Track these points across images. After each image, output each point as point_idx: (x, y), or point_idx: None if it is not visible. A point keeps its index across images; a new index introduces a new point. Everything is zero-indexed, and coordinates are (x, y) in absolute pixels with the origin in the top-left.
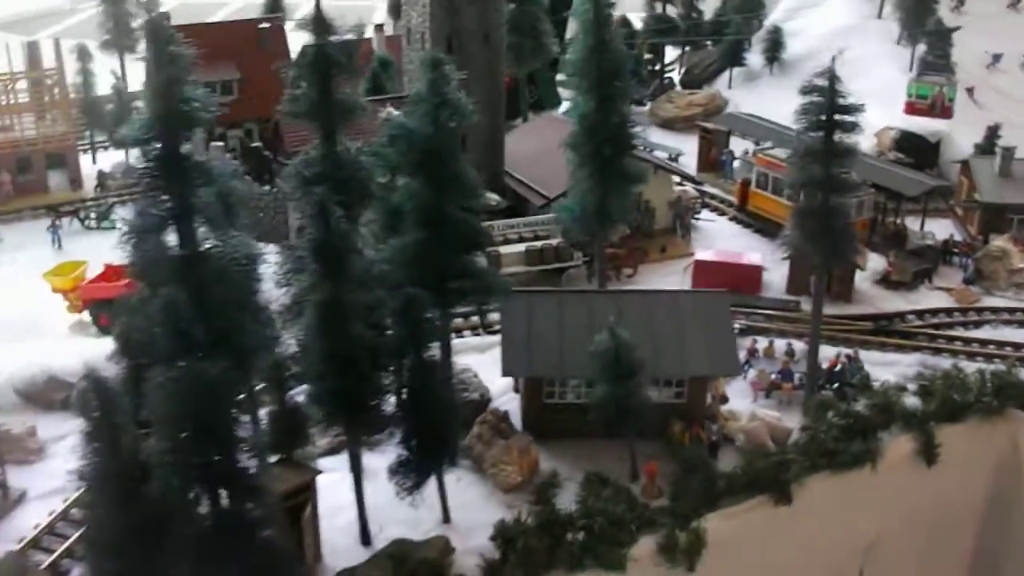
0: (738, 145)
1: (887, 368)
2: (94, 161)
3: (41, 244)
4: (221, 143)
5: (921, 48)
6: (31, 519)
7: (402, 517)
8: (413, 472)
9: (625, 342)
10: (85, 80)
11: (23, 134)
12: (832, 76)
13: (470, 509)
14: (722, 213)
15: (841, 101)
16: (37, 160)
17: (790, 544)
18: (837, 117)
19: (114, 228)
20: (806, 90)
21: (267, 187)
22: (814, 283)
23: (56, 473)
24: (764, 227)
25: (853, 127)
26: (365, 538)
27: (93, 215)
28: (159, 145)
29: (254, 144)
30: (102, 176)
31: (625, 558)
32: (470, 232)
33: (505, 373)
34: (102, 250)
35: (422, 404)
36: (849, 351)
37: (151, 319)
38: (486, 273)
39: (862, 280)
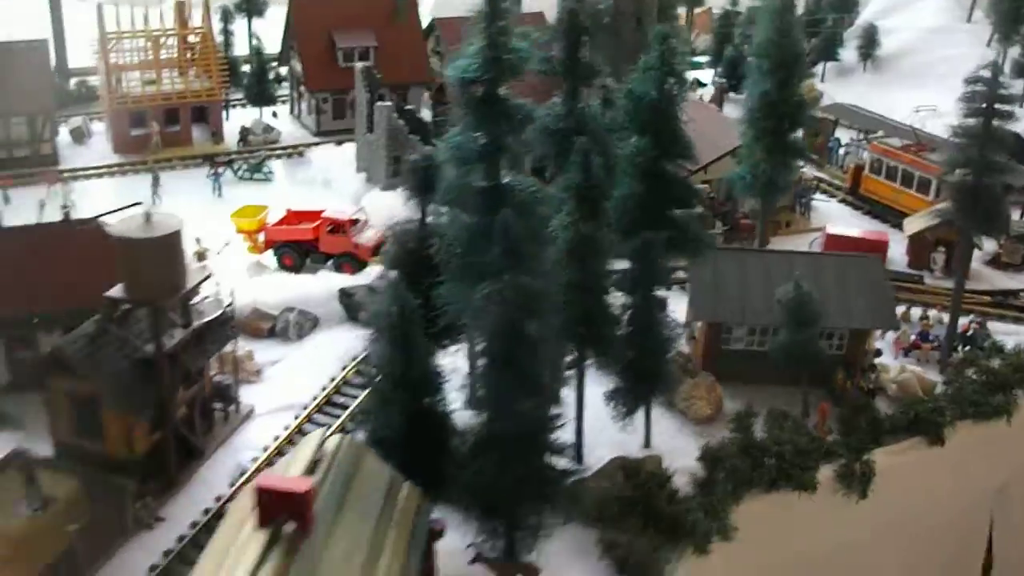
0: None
1: (1008, 337)
2: (227, 118)
3: (196, 191)
4: (388, 103)
5: (1014, 51)
6: (260, 433)
7: (607, 440)
8: (629, 399)
9: (807, 293)
10: (226, 40)
11: (173, 87)
12: (996, 68)
13: (665, 437)
14: (831, 196)
15: (1002, 92)
16: (184, 113)
17: (938, 480)
18: (997, 106)
19: (267, 179)
20: (970, 80)
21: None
22: (959, 253)
23: (275, 394)
24: (875, 209)
25: (1010, 115)
26: (579, 457)
27: (246, 166)
28: (482, 88)
29: (408, 106)
30: (244, 131)
31: (815, 481)
32: (683, 188)
33: (694, 318)
34: (255, 198)
35: (646, 337)
36: (978, 319)
37: (456, 241)
38: (697, 228)
39: (974, 261)
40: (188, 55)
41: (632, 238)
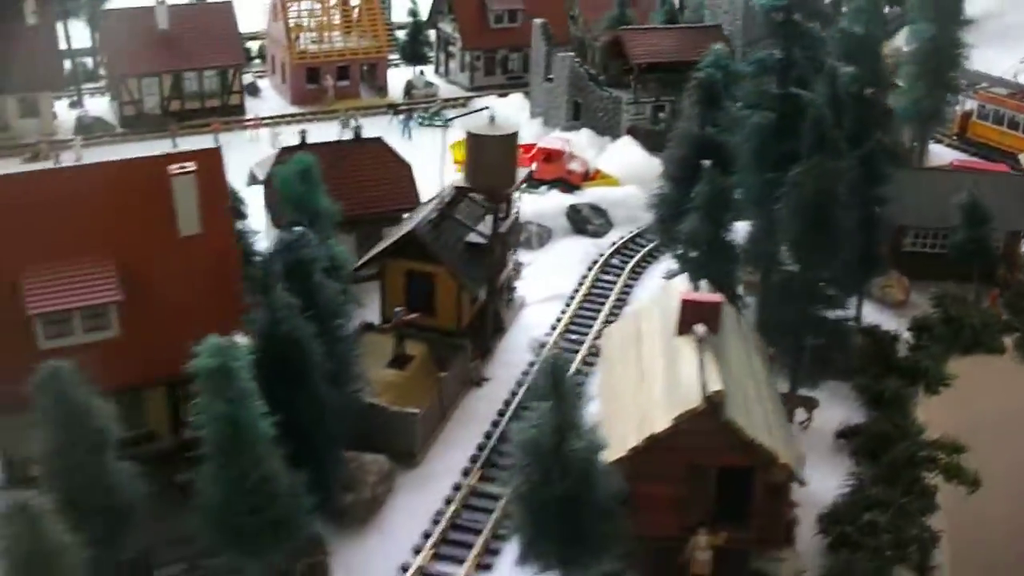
0: None
1: None
2: None
3: (385, 135)
4: (570, 53)
5: None
6: (538, 316)
7: None
8: (849, 284)
9: (980, 199)
10: (386, 3)
11: (346, 45)
12: None
13: (873, 316)
14: (938, 140)
15: None
16: (353, 69)
17: None
18: None
19: (445, 125)
20: None
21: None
22: None
23: (536, 288)
24: (982, 151)
25: None
26: None
27: (427, 114)
28: (782, 14)
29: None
30: (409, 85)
31: (1004, 345)
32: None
33: None
34: (436, 141)
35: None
36: None
37: (752, 135)
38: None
39: None
40: (354, 16)
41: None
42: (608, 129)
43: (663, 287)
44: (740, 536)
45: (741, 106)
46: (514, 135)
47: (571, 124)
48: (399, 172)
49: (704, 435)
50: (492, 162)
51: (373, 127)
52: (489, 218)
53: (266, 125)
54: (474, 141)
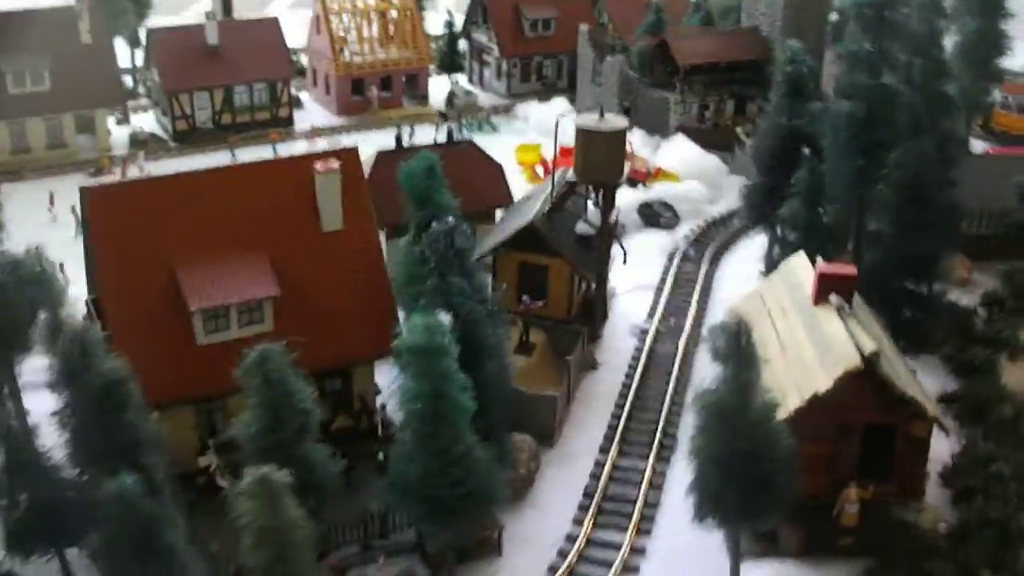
0: None
1: None
2: None
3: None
4: (620, 57)
5: None
6: (630, 306)
7: None
8: None
9: None
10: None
11: (389, 56)
12: None
13: None
14: None
15: None
16: (396, 80)
17: None
18: None
19: (494, 130)
20: None
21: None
22: None
23: (622, 280)
24: (1005, 140)
25: None
26: None
27: (475, 121)
28: (871, 10)
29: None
30: (451, 94)
31: None
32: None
33: None
34: (486, 145)
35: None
36: None
37: (843, 124)
38: None
39: None
40: (395, 29)
41: None
42: (657, 129)
43: (783, 265)
44: (883, 489)
45: (832, 97)
46: (622, 131)
47: None
48: (491, 172)
49: (858, 393)
50: (601, 156)
51: (423, 134)
52: (594, 210)
53: (322, 135)
54: (585, 136)
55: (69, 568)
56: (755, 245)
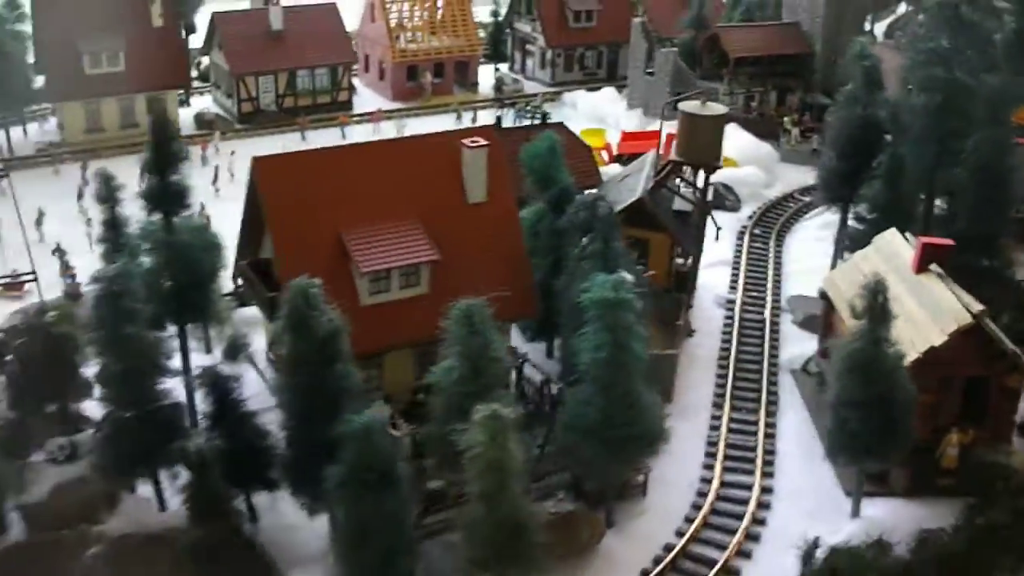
0: None
1: None
2: None
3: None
4: (674, 49)
5: None
6: (711, 279)
7: None
8: None
9: None
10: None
11: (442, 44)
12: None
13: None
14: None
15: None
16: (448, 67)
17: None
18: None
19: (547, 117)
20: None
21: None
22: None
23: None
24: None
25: None
26: None
27: (529, 107)
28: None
29: None
30: (499, 81)
31: None
32: None
33: None
34: None
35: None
36: None
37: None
38: None
39: None
40: (448, 18)
41: None
42: None
43: (877, 239)
44: (979, 434)
45: (911, 89)
46: (724, 116)
47: (673, 114)
48: (582, 153)
49: (964, 348)
50: (703, 138)
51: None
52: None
53: (387, 119)
54: (689, 120)
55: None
56: (813, 225)
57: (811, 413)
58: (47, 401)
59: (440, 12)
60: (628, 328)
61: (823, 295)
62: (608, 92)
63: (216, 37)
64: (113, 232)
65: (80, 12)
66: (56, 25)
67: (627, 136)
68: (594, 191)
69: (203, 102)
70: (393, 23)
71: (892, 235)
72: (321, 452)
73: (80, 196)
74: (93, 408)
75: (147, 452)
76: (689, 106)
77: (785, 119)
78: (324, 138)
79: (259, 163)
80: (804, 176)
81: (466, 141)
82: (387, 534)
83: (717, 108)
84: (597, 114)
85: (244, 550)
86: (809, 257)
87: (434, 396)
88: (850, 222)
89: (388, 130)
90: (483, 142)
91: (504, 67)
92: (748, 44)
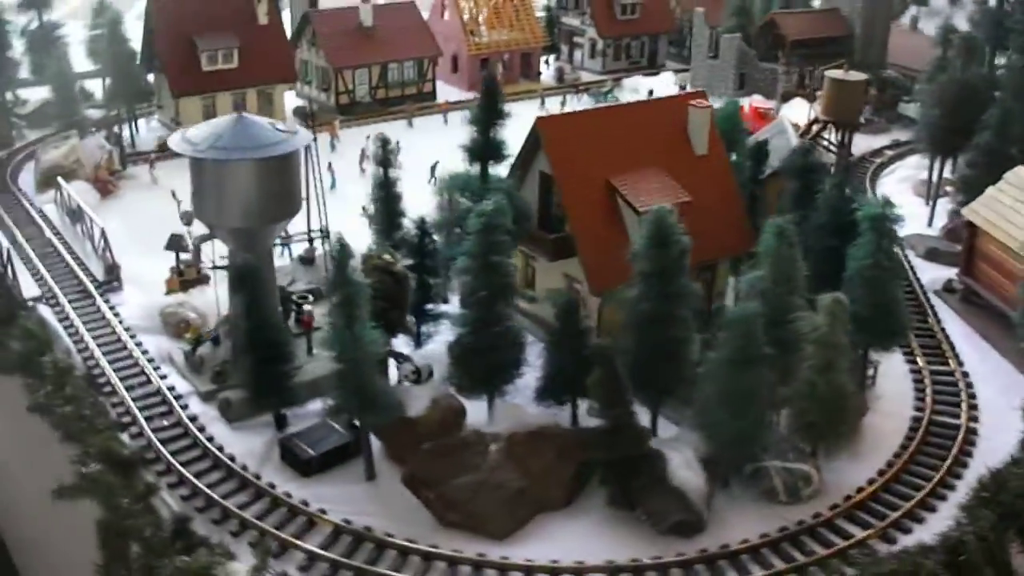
0: None
1: None
2: None
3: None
4: (737, 35)
5: None
6: None
7: None
8: None
9: None
10: None
11: (511, 36)
12: None
13: None
14: None
15: None
16: (513, 59)
17: None
18: None
19: (616, 100)
20: None
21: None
22: None
23: None
24: None
25: None
26: None
27: (600, 92)
28: None
29: None
30: (560, 70)
31: None
32: None
33: None
34: None
35: None
36: None
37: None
38: None
39: None
40: (510, 11)
41: None
42: (768, 96)
43: (1009, 174)
44: None
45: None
46: (863, 82)
47: (737, 93)
48: None
49: None
50: (848, 100)
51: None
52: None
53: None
54: (835, 84)
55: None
56: (892, 180)
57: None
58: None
59: (505, 7)
60: (892, 238)
61: (969, 224)
62: (666, 76)
63: (307, 34)
64: (385, 192)
65: (195, 13)
66: (173, 27)
67: None
68: (800, 141)
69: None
70: (467, 16)
71: (1021, 170)
72: (665, 351)
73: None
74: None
75: (495, 369)
76: (835, 73)
77: None
78: (429, 124)
79: (542, 123)
80: (868, 141)
81: (693, 102)
82: (751, 406)
83: (858, 75)
84: (659, 95)
85: (635, 437)
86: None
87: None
88: (959, 169)
89: None
90: (705, 103)
91: (551, 58)
92: (801, 28)
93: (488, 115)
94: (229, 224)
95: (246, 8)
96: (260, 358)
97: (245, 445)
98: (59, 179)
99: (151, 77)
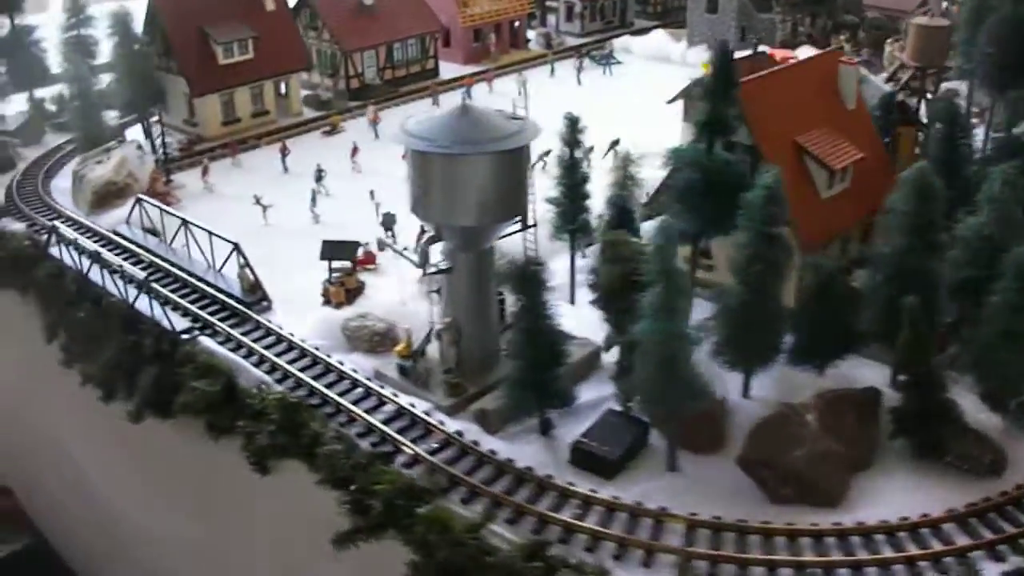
0: None
1: None
2: None
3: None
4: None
5: None
6: None
7: None
8: None
9: None
10: None
11: (500, 5)
12: None
13: None
14: None
15: None
16: (503, 27)
17: None
18: None
19: (619, 63)
20: None
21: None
22: None
23: None
24: None
25: None
26: None
27: (599, 55)
28: None
29: None
30: (547, 36)
31: None
32: None
33: None
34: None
35: None
36: None
37: None
38: None
39: None
40: None
41: None
42: (768, 45)
43: None
44: None
45: None
46: (947, 27)
47: (739, 44)
48: None
49: None
50: (934, 44)
51: (562, 69)
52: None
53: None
54: (919, 30)
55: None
56: None
57: None
58: None
59: None
60: None
61: None
62: (659, 33)
63: (303, 18)
64: (571, 175)
65: (202, 2)
66: (184, 21)
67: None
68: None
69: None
70: None
71: None
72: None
73: None
74: None
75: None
76: (920, 19)
77: (841, 38)
78: (453, 101)
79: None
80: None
81: (843, 59)
82: None
83: (942, 21)
84: (660, 54)
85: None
86: None
87: None
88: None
89: (501, 87)
90: (855, 60)
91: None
92: None
93: (724, 86)
94: (460, 222)
95: None
96: (534, 362)
97: (526, 453)
98: (141, 196)
99: None
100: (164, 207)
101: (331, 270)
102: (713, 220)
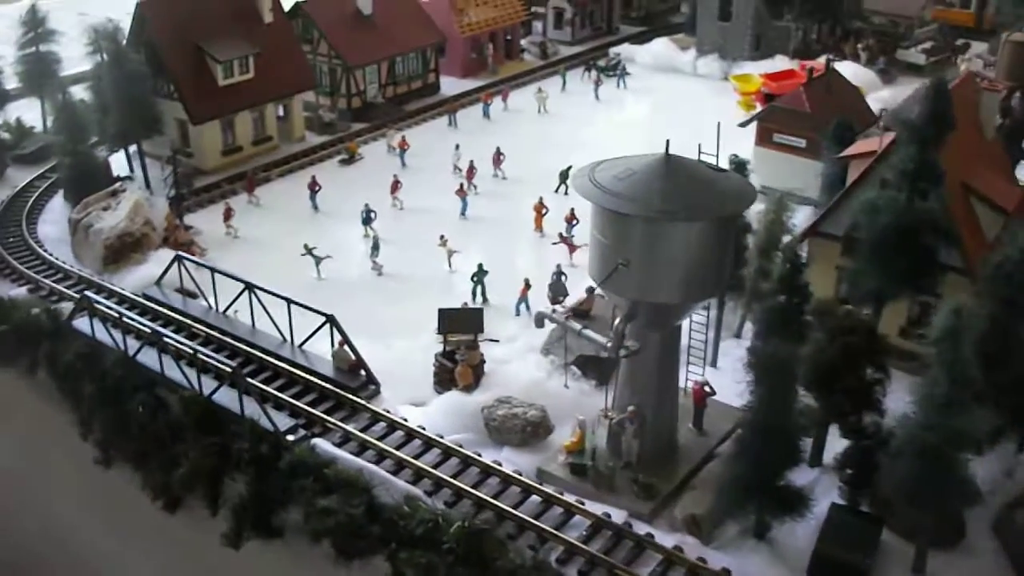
0: None
1: None
2: None
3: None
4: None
5: None
6: None
7: None
8: None
9: None
10: None
11: (495, 14)
12: None
13: None
14: None
15: None
16: (498, 37)
17: None
18: None
19: (627, 74)
20: None
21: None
22: None
23: None
24: None
25: None
26: None
27: (608, 67)
28: None
29: None
30: (544, 45)
31: None
32: None
33: None
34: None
35: None
36: None
37: None
38: None
39: None
40: None
41: None
42: (781, 52)
43: None
44: None
45: None
46: None
47: (753, 54)
48: (855, 93)
49: None
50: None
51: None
52: None
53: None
54: (1016, 47)
55: None
56: None
57: None
58: None
59: None
60: None
61: None
62: (663, 42)
63: (295, 28)
64: None
65: (193, 14)
66: (179, 37)
67: (772, 76)
68: None
69: None
70: None
71: None
72: None
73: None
74: None
75: None
76: (1018, 37)
77: (858, 46)
78: (472, 118)
79: None
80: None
81: (984, 84)
82: None
83: None
84: (667, 64)
85: None
86: None
87: None
88: None
89: (517, 102)
90: (999, 87)
91: None
92: None
93: (939, 129)
94: (661, 299)
95: (248, 4)
96: (765, 463)
97: (754, 565)
98: (179, 253)
99: None
100: (216, 268)
101: (445, 343)
102: (906, 277)
